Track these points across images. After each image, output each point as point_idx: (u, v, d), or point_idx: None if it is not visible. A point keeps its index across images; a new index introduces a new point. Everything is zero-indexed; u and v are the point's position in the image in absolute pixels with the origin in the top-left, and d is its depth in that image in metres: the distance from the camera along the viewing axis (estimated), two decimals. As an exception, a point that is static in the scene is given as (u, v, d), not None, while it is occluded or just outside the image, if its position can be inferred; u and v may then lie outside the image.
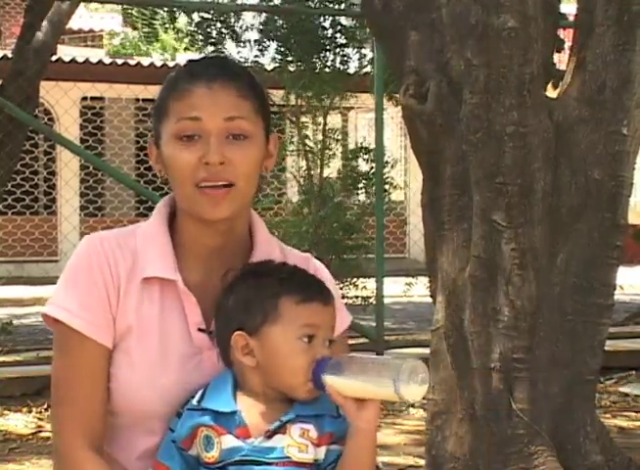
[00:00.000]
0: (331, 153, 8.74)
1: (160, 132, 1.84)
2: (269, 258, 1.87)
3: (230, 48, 8.27)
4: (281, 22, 8.10)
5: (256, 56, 8.23)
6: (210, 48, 8.17)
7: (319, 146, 8.54)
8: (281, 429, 1.72)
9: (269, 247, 1.91)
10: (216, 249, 1.86)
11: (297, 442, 1.71)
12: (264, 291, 1.77)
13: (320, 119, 8.58)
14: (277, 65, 8.41)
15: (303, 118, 8.75)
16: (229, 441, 1.71)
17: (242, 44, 8.21)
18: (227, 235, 1.85)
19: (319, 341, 1.76)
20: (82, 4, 9.34)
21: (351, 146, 9.68)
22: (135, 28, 8.79)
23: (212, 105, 1.78)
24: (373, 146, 8.34)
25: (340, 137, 9.17)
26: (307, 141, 8.58)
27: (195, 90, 1.79)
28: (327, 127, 8.61)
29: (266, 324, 1.75)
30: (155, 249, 1.84)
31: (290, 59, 8.15)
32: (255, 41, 8.25)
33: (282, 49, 8.16)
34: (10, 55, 8.53)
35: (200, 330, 1.83)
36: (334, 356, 1.75)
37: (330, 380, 1.71)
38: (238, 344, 1.76)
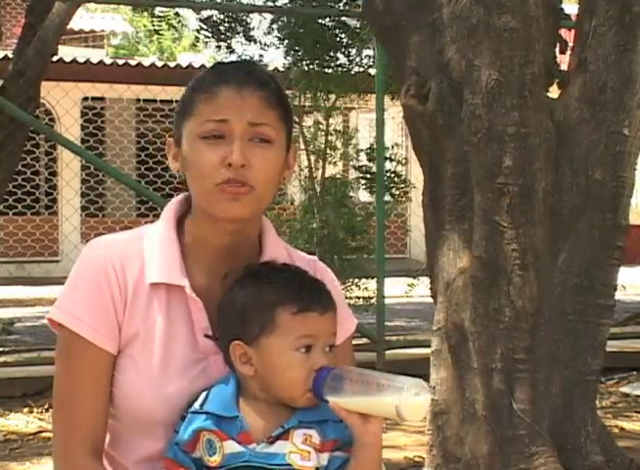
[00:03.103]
0: (336, 153, 8.73)
1: (183, 131, 1.82)
2: (269, 260, 1.85)
3: (236, 46, 8.27)
4: (287, 21, 8.10)
5: (261, 55, 8.25)
6: (219, 44, 8.16)
7: (322, 146, 8.53)
8: (283, 435, 1.71)
9: (277, 252, 1.90)
10: (225, 251, 1.85)
11: (300, 448, 1.70)
12: (261, 300, 1.75)
13: (324, 119, 8.58)
14: (283, 65, 8.43)
15: (307, 118, 8.75)
16: (231, 446, 1.70)
17: (248, 42, 8.20)
18: (237, 237, 1.84)
19: (318, 350, 1.74)
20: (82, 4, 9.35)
21: (355, 146, 9.65)
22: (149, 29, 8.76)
23: (240, 109, 1.78)
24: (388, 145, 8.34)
25: (345, 137, 9.16)
26: (311, 141, 8.57)
27: (224, 93, 1.79)
28: (330, 128, 8.60)
29: (263, 335, 1.74)
30: (162, 253, 1.83)
31: (296, 58, 8.15)
32: (261, 41, 8.28)
33: (288, 48, 8.16)
34: (11, 55, 8.54)
35: (206, 336, 1.83)
36: (334, 367, 1.73)
37: (330, 397, 1.70)
38: (235, 353, 1.75)
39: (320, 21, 8.11)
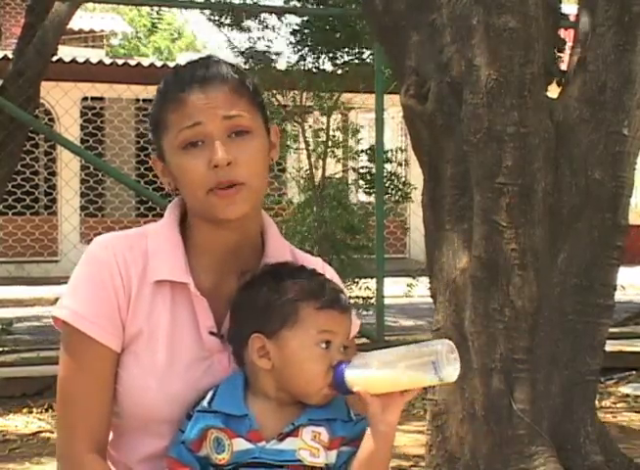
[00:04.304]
0: (336, 152, 8.74)
1: (163, 146, 1.82)
2: (287, 260, 1.87)
3: (240, 41, 8.27)
4: (302, 21, 8.12)
5: (266, 52, 8.24)
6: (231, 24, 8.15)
7: (322, 146, 8.54)
8: (293, 432, 1.72)
9: (280, 249, 1.91)
10: (229, 250, 1.85)
11: (309, 445, 1.71)
12: (285, 295, 1.76)
13: (324, 119, 8.59)
14: (287, 64, 8.43)
15: (307, 118, 8.75)
16: (240, 443, 1.71)
17: (261, 27, 8.20)
18: (239, 235, 1.85)
19: (336, 347, 1.76)
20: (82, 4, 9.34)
21: (356, 143, 9.65)
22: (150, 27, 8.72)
23: (209, 107, 1.78)
24: (388, 146, 8.34)
25: (346, 136, 9.17)
26: (312, 140, 8.58)
27: (189, 97, 1.78)
28: (331, 127, 8.61)
29: (285, 328, 1.75)
30: (166, 251, 1.84)
31: (299, 57, 8.16)
32: (268, 40, 8.28)
33: (292, 48, 8.18)
34: (10, 55, 8.53)
35: (211, 333, 1.83)
36: (351, 358, 1.75)
37: (356, 380, 1.70)
38: (255, 345, 1.76)
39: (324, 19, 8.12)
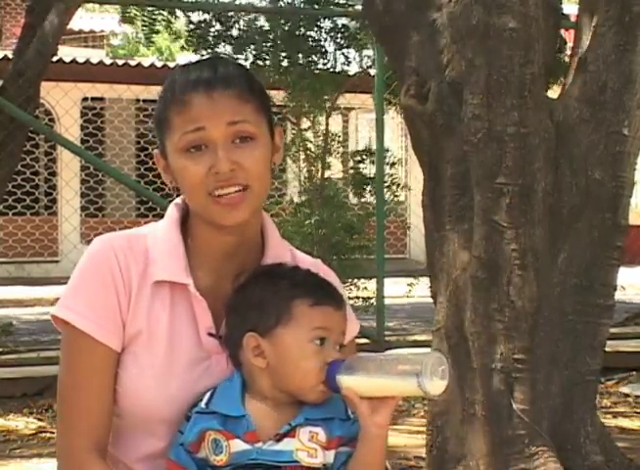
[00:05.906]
0: (334, 154, 8.75)
1: (166, 144, 1.82)
2: (282, 261, 1.86)
3: (227, 50, 8.24)
4: (283, 23, 8.10)
5: (255, 57, 8.21)
6: (208, 50, 8.14)
7: (320, 147, 8.54)
8: (290, 432, 1.72)
9: (280, 250, 1.91)
10: (229, 251, 1.85)
11: (307, 445, 1.71)
12: (278, 293, 1.77)
13: (321, 120, 8.58)
14: (277, 66, 8.42)
15: (304, 119, 8.74)
16: (238, 445, 1.71)
17: (240, 46, 8.18)
18: (240, 237, 1.85)
19: (330, 344, 1.76)
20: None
21: (352, 147, 9.66)
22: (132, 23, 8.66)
23: (214, 113, 1.77)
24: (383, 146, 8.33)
25: (341, 138, 9.16)
26: (308, 142, 8.57)
27: (194, 101, 1.77)
28: (328, 128, 8.61)
29: (279, 326, 1.75)
30: (166, 252, 1.84)
31: (290, 60, 8.14)
32: (254, 44, 8.24)
33: (282, 50, 8.15)
34: (10, 55, 8.53)
35: (210, 334, 1.83)
36: (345, 359, 1.75)
37: (346, 381, 1.70)
38: (249, 345, 1.76)
39: (317, 21, 8.10)
